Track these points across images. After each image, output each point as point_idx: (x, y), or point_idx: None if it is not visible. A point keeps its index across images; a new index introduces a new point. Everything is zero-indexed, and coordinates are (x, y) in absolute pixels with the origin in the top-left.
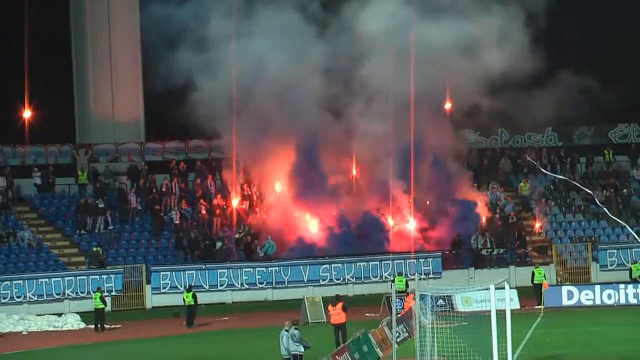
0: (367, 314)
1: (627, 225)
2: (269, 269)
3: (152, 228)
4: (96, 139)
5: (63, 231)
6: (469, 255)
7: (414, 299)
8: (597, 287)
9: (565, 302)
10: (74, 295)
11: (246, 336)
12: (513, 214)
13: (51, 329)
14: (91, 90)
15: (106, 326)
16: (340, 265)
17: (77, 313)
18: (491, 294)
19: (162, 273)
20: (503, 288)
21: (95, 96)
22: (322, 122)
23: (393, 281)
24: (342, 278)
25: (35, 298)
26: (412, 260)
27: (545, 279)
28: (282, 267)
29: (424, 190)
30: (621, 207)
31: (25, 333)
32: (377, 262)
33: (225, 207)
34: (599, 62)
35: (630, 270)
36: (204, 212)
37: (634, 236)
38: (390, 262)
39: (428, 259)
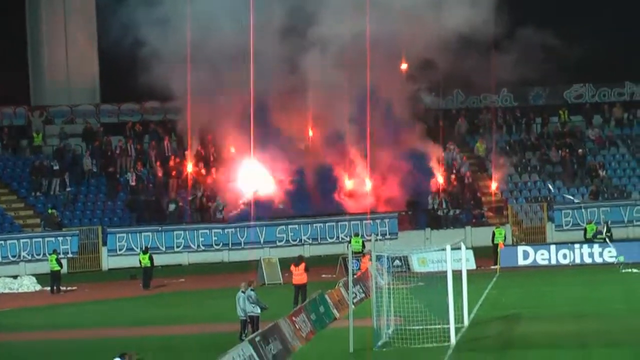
0: (324, 275)
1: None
2: (225, 230)
3: (107, 190)
4: (51, 100)
5: (18, 193)
6: (424, 215)
7: (371, 259)
8: (553, 247)
9: (521, 262)
10: (29, 258)
11: (202, 298)
12: (469, 174)
13: (7, 290)
14: (45, 52)
15: (62, 288)
16: (296, 226)
17: (33, 275)
18: (447, 255)
19: (118, 235)
20: (459, 248)
21: (50, 57)
22: (277, 76)
23: (350, 242)
24: (298, 239)
25: None
26: (368, 221)
27: (504, 239)
28: (238, 229)
29: (378, 144)
30: (576, 167)
31: None
32: (334, 223)
33: (180, 168)
34: (560, 20)
35: (585, 230)
36: (159, 173)
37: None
38: (346, 223)
39: (384, 220)
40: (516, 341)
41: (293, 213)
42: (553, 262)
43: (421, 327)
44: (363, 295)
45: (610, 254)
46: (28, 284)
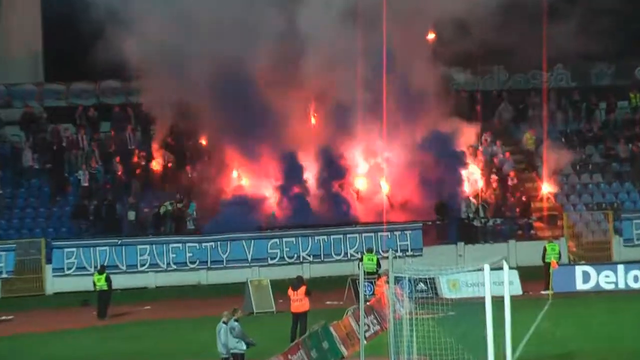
0: (328, 302)
1: None
2: (203, 244)
3: (52, 192)
4: None
5: None
6: (456, 226)
7: (388, 282)
8: (620, 267)
9: (580, 285)
10: None
11: (173, 329)
12: (513, 174)
13: None
14: None
15: None
16: (293, 239)
17: None
18: (486, 276)
19: (66, 250)
20: (501, 268)
21: None
22: (268, 41)
23: (361, 260)
24: (295, 256)
25: None
26: (385, 234)
27: (559, 257)
28: (219, 242)
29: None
30: None
31: None
32: (341, 236)
33: (147, 165)
34: None
35: None
36: (119, 171)
37: None
38: (357, 235)
39: (405, 232)
40: None
41: (289, 222)
42: (621, 285)
43: None
44: (378, 327)
45: None
46: None
